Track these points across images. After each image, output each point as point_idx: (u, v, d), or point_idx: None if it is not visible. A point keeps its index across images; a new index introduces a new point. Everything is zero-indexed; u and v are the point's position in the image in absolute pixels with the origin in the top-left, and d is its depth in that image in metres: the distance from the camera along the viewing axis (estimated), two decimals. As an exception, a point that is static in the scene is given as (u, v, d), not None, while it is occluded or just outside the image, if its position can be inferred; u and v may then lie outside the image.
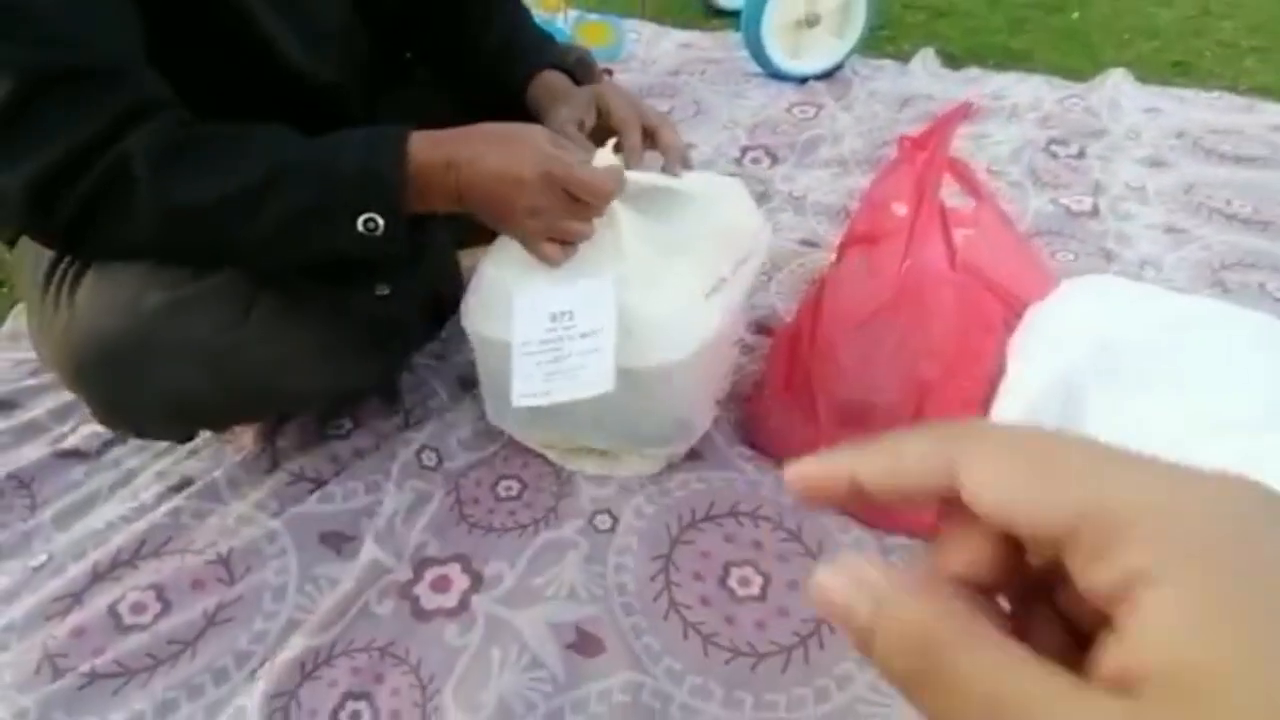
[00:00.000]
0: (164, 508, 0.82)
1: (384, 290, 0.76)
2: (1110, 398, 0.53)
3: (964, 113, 0.78)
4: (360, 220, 0.64)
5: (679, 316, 0.72)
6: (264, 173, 0.63)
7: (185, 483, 0.86)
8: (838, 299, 0.84)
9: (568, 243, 0.70)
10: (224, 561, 0.78)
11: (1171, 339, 0.55)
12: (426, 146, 0.66)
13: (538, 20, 0.97)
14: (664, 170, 0.79)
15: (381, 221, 0.65)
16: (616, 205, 0.71)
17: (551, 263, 0.70)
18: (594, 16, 1.77)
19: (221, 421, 0.81)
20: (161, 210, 0.62)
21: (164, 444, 0.90)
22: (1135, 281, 0.60)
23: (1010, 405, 0.55)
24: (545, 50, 0.91)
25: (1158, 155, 1.38)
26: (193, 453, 0.90)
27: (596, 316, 0.71)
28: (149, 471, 0.88)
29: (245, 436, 0.89)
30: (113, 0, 0.61)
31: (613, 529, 0.81)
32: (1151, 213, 1.24)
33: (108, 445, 0.91)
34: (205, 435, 0.91)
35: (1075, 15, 1.95)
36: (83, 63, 0.59)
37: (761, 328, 1.04)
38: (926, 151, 0.77)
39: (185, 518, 0.82)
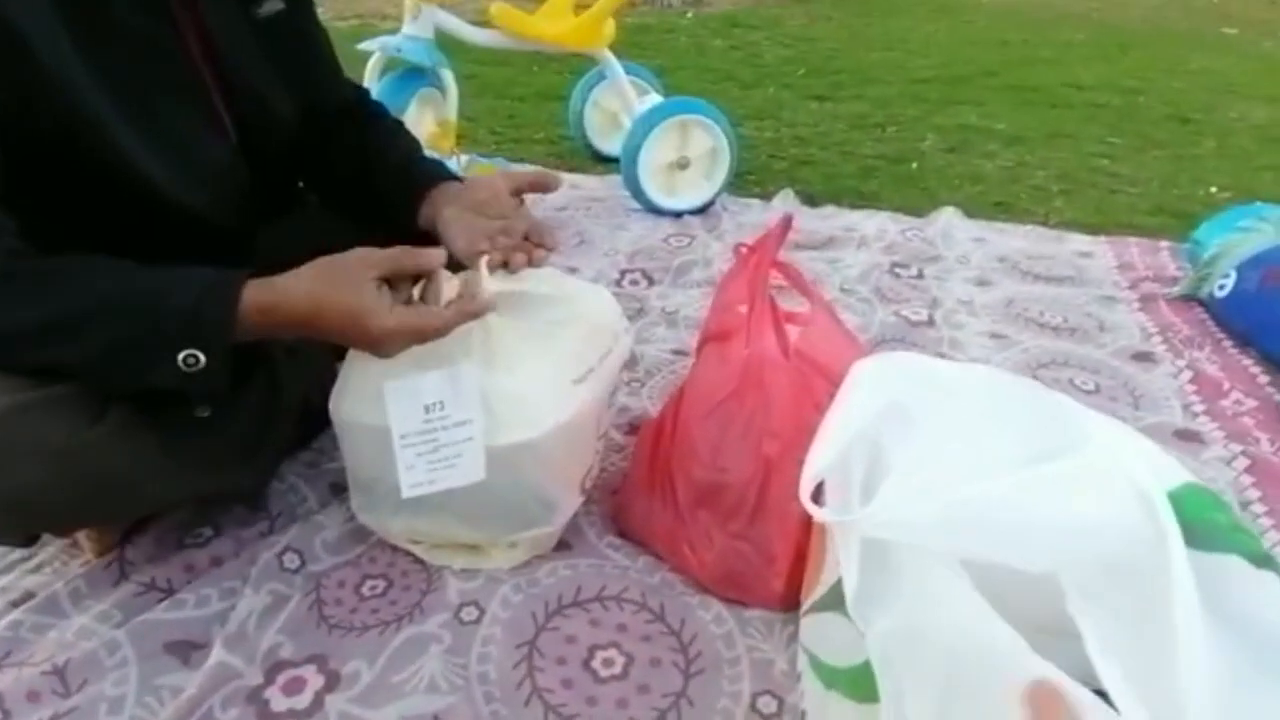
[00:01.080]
0: (2, 622, 0.78)
1: (204, 413, 0.74)
2: (902, 445, 0.61)
3: (787, 224, 0.89)
4: (181, 356, 0.65)
5: (538, 397, 0.77)
6: (89, 303, 0.65)
7: (27, 596, 0.82)
8: (694, 390, 0.90)
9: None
10: (59, 673, 0.73)
11: (948, 396, 0.63)
12: (260, 290, 0.67)
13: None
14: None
15: (203, 359, 0.65)
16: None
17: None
18: (484, 159, 1.90)
19: (65, 523, 0.78)
20: None
21: (5, 560, 0.86)
22: (920, 355, 0.69)
23: (823, 456, 0.61)
24: (440, 167, 0.96)
25: (984, 276, 1.57)
26: (37, 567, 0.86)
27: (466, 406, 0.74)
28: (-11, 587, 0.83)
29: (91, 547, 0.86)
30: None
31: (478, 620, 0.81)
32: (979, 323, 1.40)
33: (-55, 564, 0.86)
34: (50, 549, 0.87)
35: (914, 165, 2.23)
36: None
37: (634, 428, 1.09)
38: (756, 255, 0.87)
39: (24, 631, 0.78)
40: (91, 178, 0.71)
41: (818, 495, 0.63)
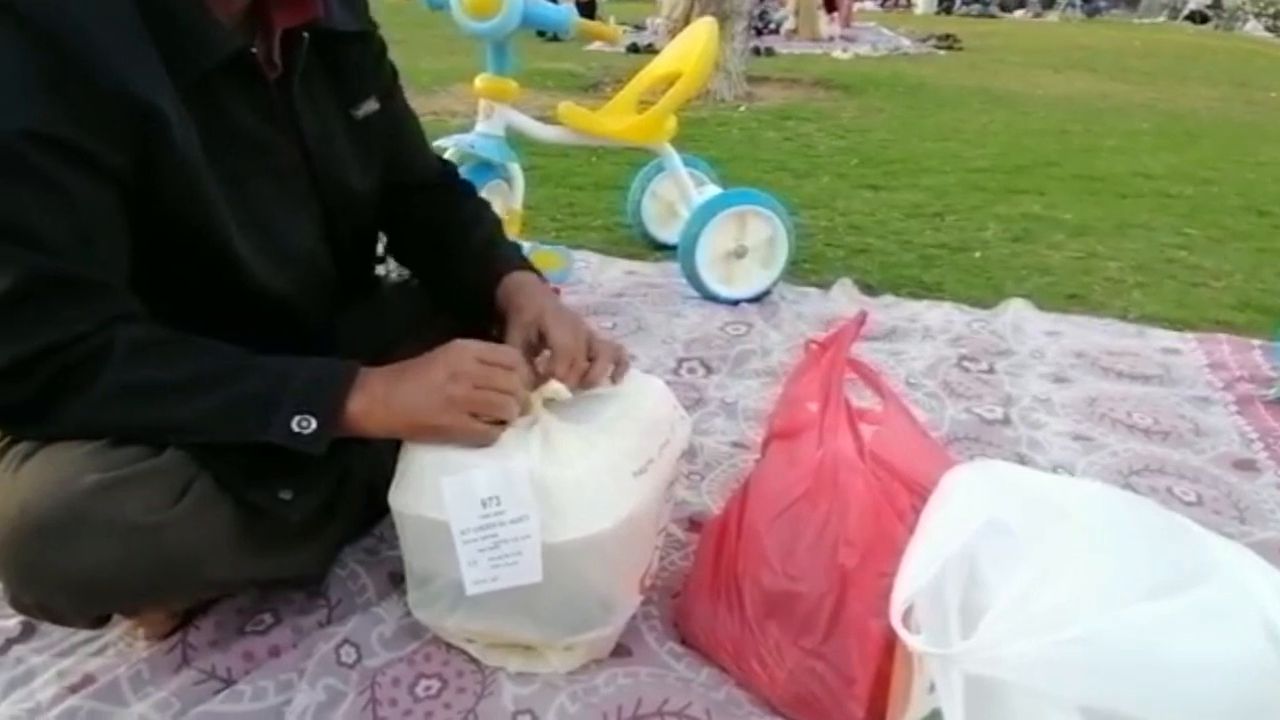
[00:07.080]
0: (58, 709, 0.77)
1: (286, 495, 0.76)
2: (1005, 569, 0.56)
3: (862, 320, 0.87)
4: (296, 418, 0.70)
5: (599, 491, 0.75)
6: (224, 365, 0.72)
7: (86, 681, 0.81)
8: (761, 490, 0.87)
9: (495, 421, 0.75)
10: (110, 767, 0.72)
11: (1055, 515, 0.59)
12: (374, 382, 0.75)
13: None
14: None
15: (315, 423, 0.71)
16: (538, 400, 0.78)
17: (480, 440, 0.74)
18: (546, 246, 1.94)
19: (136, 601, 0.77)
20: (119, 386, 0.68)
21: (69, 641, 0.86)
22: (1017, 465, 0.65)
23: (916, 577, 0.57)
24: (517, 252, 1.00)
25: (1060, 372, 1.51)
26: (100, 650, 0.85)
27: (520, 502, 0.73)
28: (50, 671, 0.83)
29: (156, 627, 0.85)
30: (106, 225, 0.69)
31: (535, 731, 0.77)
32: (1059, 422, 1.33)
33: (10, 643, 0.86)
34: (116, 630, 0.87)
35: (978, 254, 2.20)
36: (78, 273, 0.67)
37: (694, 524, 1.06)
38: (830, 352, 0.84)
39: (80, 719, 0.77)
40: (194, 261, 0.75)
41: (907, 619, 0.59)
